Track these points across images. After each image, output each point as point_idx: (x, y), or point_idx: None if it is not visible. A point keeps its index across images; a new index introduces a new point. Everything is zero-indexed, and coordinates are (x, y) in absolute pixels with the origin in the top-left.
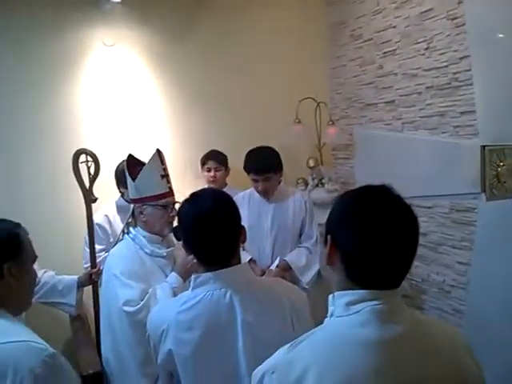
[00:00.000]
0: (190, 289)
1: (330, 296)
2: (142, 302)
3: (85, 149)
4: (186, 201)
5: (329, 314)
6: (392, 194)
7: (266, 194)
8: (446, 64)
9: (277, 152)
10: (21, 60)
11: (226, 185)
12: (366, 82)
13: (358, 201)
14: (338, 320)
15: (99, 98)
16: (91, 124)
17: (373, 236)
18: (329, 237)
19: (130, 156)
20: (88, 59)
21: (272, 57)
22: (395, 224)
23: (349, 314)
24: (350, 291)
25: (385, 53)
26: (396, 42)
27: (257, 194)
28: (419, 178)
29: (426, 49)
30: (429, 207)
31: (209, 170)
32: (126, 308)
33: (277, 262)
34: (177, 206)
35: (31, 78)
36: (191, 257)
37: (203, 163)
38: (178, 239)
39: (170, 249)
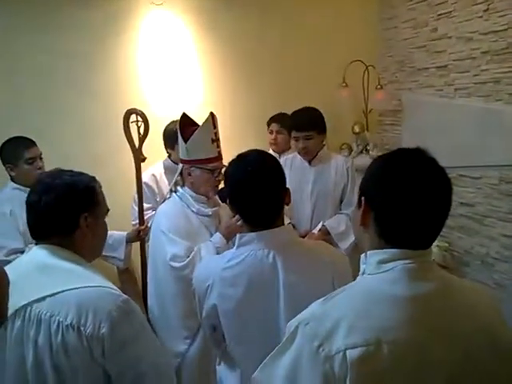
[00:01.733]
0: (235, 247)
1: (362, 255)
2: (188, 259)
3: (135, 109)
4: (232, 162)
5: (360, 272)
6: (426, 156)
7: (306, 153)
8: (505, 27)
9: (320, 113)
10: (72, 20)
11: (289, 149)
12: (418, 45)
13: (392, 161)
14: (369, 277)
15: (149, 58)
16: (140, 84)
17: (406, 195)
18: (363, 198)
19: (184, 115)
20: (137, 19)
21: (321, 18)
22: (428, 184)
23: (380, 272)
24: (382, 250)
25: (439, 15)
26: (452, 4)
27: (299, 158)
28: (469, 147)
29: (485, 10)
30: (476, 178)
31: (271, 133)
32: (173, 263)
33: (319, 226)
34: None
35: (82, 39)
36: (235, 219)
37: (268, 125)
38: (223, 201)
39: (215, 208)
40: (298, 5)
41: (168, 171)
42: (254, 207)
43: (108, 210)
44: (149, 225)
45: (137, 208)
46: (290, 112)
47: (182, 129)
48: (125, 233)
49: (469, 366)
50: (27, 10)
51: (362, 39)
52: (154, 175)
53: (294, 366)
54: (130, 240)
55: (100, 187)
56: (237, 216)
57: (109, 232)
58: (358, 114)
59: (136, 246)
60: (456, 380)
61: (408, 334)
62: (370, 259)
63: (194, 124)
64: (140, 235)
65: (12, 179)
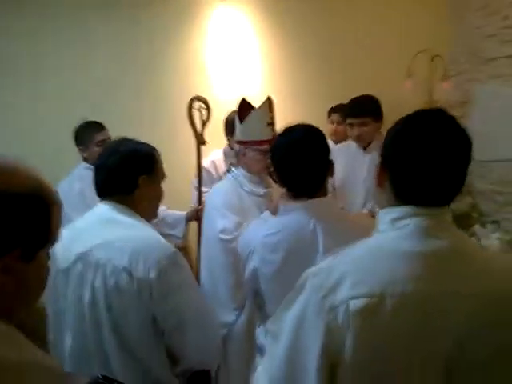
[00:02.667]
0: (278, 216)
1: (378, 214)
2: (236, 233)
3: (199, 96)
4: (279, 134)
5: (374, 230)
6: (445, 115)
7: (360, 139)
8: None
9: (377, 100)
10: (137, 19)
11: (347, 138)
12: (489, 33)
13: (409, 120)
14: (381, 235)
15: (215, 49)
16: (205, 74)
17: (419, 151)
18: (380, 159)
19: (243, 100)
20: (204, 12)
21: (387, 6)
22: (443, 141)
23: (394, 229)
24: (397, 208)
25: None
26: None
27: (353, 146)
28: None
29: None
30: None
31: (331, 123)
32: (222, 235)
33: (368, 206)
34: None
35: (149, 29)
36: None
37: (329, 115)
38: (275, 182)
39: (268, 189)
40: None
41: (227, 157)
42: (297, 176)
43: (164, 176)
44: None
45: (196, 192)
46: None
47: (240, 111)
48: (184, 212)
49: (476, 328)
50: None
51: (429, 28)
52: (213, 161)
53: (300, 317)
54: (188, 219)
55: (159, 156)
56: None
57: (169, 211)
58: (422, 106)
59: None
60: (461, 341)
61: (414, 289)
62: (384, 217)
63: (251, 108)
64: (198, 215)
65: (84, 159)
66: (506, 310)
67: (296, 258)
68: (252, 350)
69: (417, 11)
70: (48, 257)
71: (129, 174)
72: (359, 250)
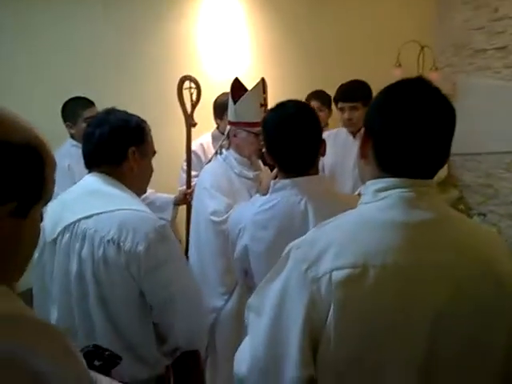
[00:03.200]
0: (269, 193)
1: (362, 186)
2: (227, 215)
3: (190, 76)
4: (270, 109)
5: (358, 203)
6: (429, 85)
7: (350, 125)
8: None
9: (368, 86)
10: None
11: (327, 125)
12: (477, 26)
13: (392, 89)
14: (364, 206)
15: (205, 30)
16: (195, 54)
17: (403, 121)
18: (363, 129)
19: (236, 79)
20: None
21: None
22: (427, 111)
23: (377, 200)
24: (381, 179)
25: None
26: None
27: (343, 133)
28: None
29: None
30: None
31: None
32: (213, 217)
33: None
34: None
35: (142, 8)
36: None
37: (307, 101)
38: (265, 164)
39: (257, 172)
40: None
41: (216, 141)
42: (288, 152)
43: (155, 152)
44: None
45: (185, 175)
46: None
47: (233, 91)
48: (172, 196)
49: (460, 299)
50: None
51: (418, 19)
52: (201, 144)
53: (283, 289)
54: (177, 202)
55: (149, 129)
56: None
57: (157, 194)
58: None
59: (181, 210)
60: (443, 311)
61: (397, 259)
62: (368, 189)
63: (244, 89)
64: (187, 198)
65: (71, 136)
66: (486, 281)
67: (286, 235)
68: (241, 335)
69: (407, 1)
70: (41, 216)
71: (118, 144)
72: (342, 220)
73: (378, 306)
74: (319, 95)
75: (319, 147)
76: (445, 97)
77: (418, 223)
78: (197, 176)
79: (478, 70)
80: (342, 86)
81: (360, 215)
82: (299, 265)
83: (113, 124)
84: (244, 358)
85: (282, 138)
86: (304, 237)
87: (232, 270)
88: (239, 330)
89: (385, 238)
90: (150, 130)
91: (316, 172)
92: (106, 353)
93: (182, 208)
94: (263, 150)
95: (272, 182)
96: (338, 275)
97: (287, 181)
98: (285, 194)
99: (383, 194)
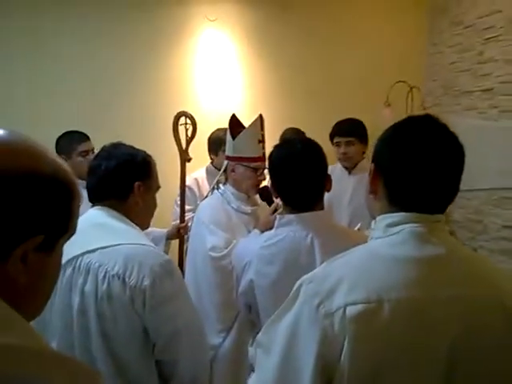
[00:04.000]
0: (274, 228)
1: (372, 221)
2: (226, 250)
3: (185, 112)
4: (277, 145)
5: (369, 238)
6: (437, 122)
7: (346, 159)
8: None
9: (363, 124)
10: (127, 32)
11: None
12: (463, 68)
13: (401, 126)
14: (376, 241)
15: (202, 68)
16: (189, 91)
17: (414, 157)
18: (372, 165)
19: (233, 116)
20: (191, 31)
21: (368, 39)
22: (437, 148)
23: (388, 235)
24: (391, 214)
25: (486, 39)
26: (500, 28)
27: (338, 169)
28: None
29: None
30: None
31: None
32: (212, 253)
33: (358, 226)
34: (266, 171)
35: (138, 49)
36: (273, 216)
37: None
38: (263, 199)
39: (255, 207)
40: (347, 24)
41: (210, 176)
42: (294, 188)
43: (159, 187)
44: (189, 224)
45: (178, 209)
46: (330, 126)
47: (231, 127)
48: (165, 230)
49: (474, 332)
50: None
51: (408, 61)
52: (196, 179)
53: (294, 325)
54: (169, 237)
55: (155, 164)
56: (276, 213)
57: (150, 228)
58: None
59: (174, 245)
60: (459, 345)
61: (411, 294)
62: (379, 224)
63: (241, 125)
64: (180, 233)
65: None
66: (499, 313)
67: (292, 271)
68: (239, 373)
69: (397, 43)
70: (62, 251)
71: (124, 179)
72: (354, 255)
73: (394, 341)
74: (295, 132)
75: (325, 183)
76: (453, 133)
77: (430, 258)
78: (191, 210)
79: (465, 110)
80: (338, 122)
81: (371, 250)
82: (311, 300)
83: (119, 158)
84: None
85: (288, 174)
86: (314, 271)
87: (230, 307)
88: (237, 369)
89: (398, 272)
90: (155, 165)
91: (322, 207)
92: None
93: (175, 242)
94: (260, 185)
95: (278, 216)
96: (352, 310)
97: (293, 216)
98: (291, 229)
99: (394, 230)
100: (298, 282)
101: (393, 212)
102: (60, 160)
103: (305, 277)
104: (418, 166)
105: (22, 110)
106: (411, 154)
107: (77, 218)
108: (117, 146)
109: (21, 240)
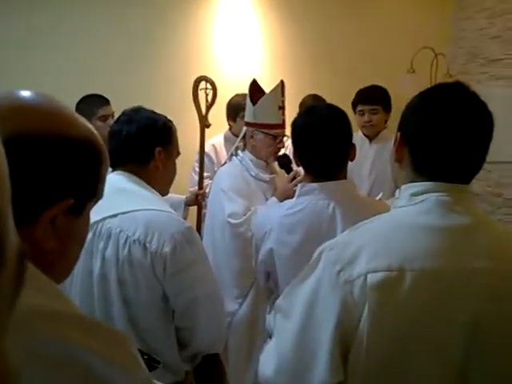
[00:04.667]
0: (296, 197)
1: (397, 190)
2: (245, 217)
3: (206, 76)
4: (301, 112)
5: (393, 206)
6: (467, 90)
7: (370, 126)
8: None
9: (387, 92)
10: None
11: None
12: (492, 35)
13: (429, 94)
14: (400, 209)
15: (222, 32)
16: (209, 56)
17: (440, 125)
18: (398, 133)
19: (254, 81)
20: None
21: (393, 4)
22: (465, 116)
23: (413, 204)
24: (416, 183)
25: None
26: None
27: (359, 137)
28: None
29: None
30: None
31: None
32: (230, 220)
33: (380, 196)
34: (285, 139)
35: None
36: (292, 184)
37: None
38: (281, 167)
39: (273, 175)
40: None
41: (228, 143)
42: (318, 155)
43: (179, 153)
44: (207, 191)
45: (196, 176)
46: (352, 93)
47: (251, 93)
48: (183, 196)
49: (498, 304)
50: None
51: (433, 27)
52: (213, 145)
53: (315, 291)
54: (188, 203)
55: (175, 129)
56: (294, 181)
57: (168, 195)
58: None
59: (192, 211)
60: (481, 316)
61: (435, 264)
62: (404, 193)
63: (262, 91)
64: (198, 199)
65: None
66: None
67: (314, 240)
68: (254, 339)
69: (422, 9)
70: (89, 215)
71: (145, 143)
72: (377, 223)
73: (414, 312)
74: (316, 99)
75: (349, 151)
76: (482, 102)
77: (455, 228)
78: (208, 177)
79: (492, 79)
80: (361, 89)
81: (395, 218)
82: (332, 266)
83: (140, 123)
84: (270, 361)
85: (313, 140)
86: (336, 238)
87: (247, 273)
88: (252, 336)
89: (421, 242)
90: (175, 131)
91: (344, 176)
92: (145, 357)
93: (193, 209)
94: (280, 152)
95: (299, 185)
96: (373, 278)
97: (315, 185)
98: (312, 198)
99: (419, 198)
100: (319, 249)
101: (418, 181)
102: (90, 124)
103: (326, 243)
104: (444, 134)
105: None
106: (438, 122)
107: (104, 182)
108: (138, 110)
109: (51, 202)
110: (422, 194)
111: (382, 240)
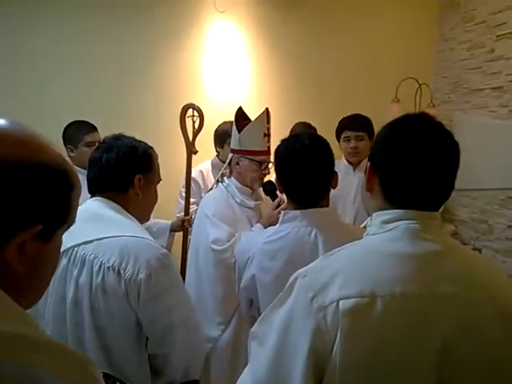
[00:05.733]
0: (278, 224)
1: (368, 218)
2: (229, 243)
3: (193, 104)
4: (283, 140)
5: (364, 234)
6: (432, 120)
7: (355, 154)
8: None
9: (371, 121)
10: (137, 22)
11: None
12: (474, 66)
13: (396, 125)
14: (372, 237)
15: (211, 59)
16: (197, 83)
17: (408, 155)
18: (368, 163)
19: (240, 109)
20: (201, 23)
21: (378, 34)
22: (432, 145)
23: (383, 232)
24: (387, 211)
25: (498, 36)
26: None
27: (343, 165)
28: None
29: None
30: None
31: None
32: (214, 246)
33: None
34: (270, 165)
35: (148, 34)
36: (276, 211)
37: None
38: (266, 194)
39: (258, 202)
40: (357, 17)
41: (215, 169)
42: (300, 183)
43: (160, 180)
44: (193, 217)
45: (182, 202)
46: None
47: (237, 120)
48: (169, 222)
49: (467, 330)
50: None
51: (417, 57)
52: (201, 171)
53: (288, 318)
54: (173, 229)
55: (156, 157)
56: (279, 208)
57: (154, 220)
58: None
59: (178, 237)
60: (451, 343)
61: (405, 290)
62: (375, 220)
63: (247, 119)
64: (184, 225)
65: (71, 160)
66: (493, 311)
67: (295, 266)
68: (236, 366)
69: (408, 40)
70: (61, 240)
71: (124, 171)
72: (350, 250)
73: (386, 337)
74: (305, 126)
75: (331, 179)
76: (448, 131)
77: (424, 255)
78: (195, 203)
79: (475, 108)
80: (345, 117)
81: (367, 246)
82: (305, 293)
83: (120, 150)
84: None
85: (294, 169)
86: (310, 265)
87: (230, 300)
88: (234, 362)
89: (392, 268)
90: (157, 157)
91: (327, 204)
92: (117, 382)
93: (178, 234)
94: (265, 179)
95: (282, 212)
96: (345, 304)
97: (297, 212)
98: (295, 224)
99: (390, 226)
100: (294, 276)
101: (388, 209)
102: (60, 151)
103: (300, 270)
104: (412, 163)
105: (29, 97)
106: (405, 152)
107: (76, 208)
108: (118, 137)
109: (19, 229)
110: (393, 221)
111: (355, 266)
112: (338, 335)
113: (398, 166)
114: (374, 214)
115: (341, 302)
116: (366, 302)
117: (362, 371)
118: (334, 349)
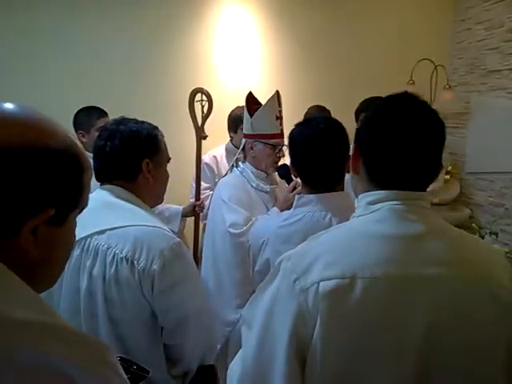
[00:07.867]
0: (293, 208)
1: (355, 200)
2: (245, 227)
3: (202, 88)
4: (298, 124)
5: (351, 216)
6: (416, 99)
7: None
8: None
9: None
10: (149, 6)
11: None
12: (492, 46)
13: (381, 105)
14: (357, 218)
15: (222, 44)
16: (209, 68)
17: (392, 134)
18: (353, 144)
19: (250, 94)
20: (211, 7)
21: (394, 13)
22: (416, 124)
23: (368, 213)
24: (372, 192)
25: None
26: None
27: None
28: None
29: None
30: None
31: None
32: (231, 230)
33: None
34: (284, 148)
35: (159, 23)
36: (292, 194)
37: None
38: (281, 177)
39: (274, 186)
40: (372, 3)
41: (229, 154)
42: (315, 168)
43: (169, 159)
44: (206, 203)
45: (195, 185)
46: (352, 103)
47: (248, 105)
48: (181, 207)
49: (452, 314)
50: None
51: (433, 38)
52: (215, 157)
53: (273, 300)
54: (185, 214)
55: (162, 136)
56: (294, 191)
57: (166, 205)
58: None
59: (190, 221)
60: (436, 325)
61: (385, 272)
62: (361, 202)
63: (258, 103)
64: (195, 210)
65: (83, 146)
66: (480, 296)
67: None
68: None
69: (422, 21)
70: (75, 223)
71: (130, 158)
72: (335, 232)
73: (366, 318)
74: (320, 109)
75: (346, 163)
76: (433, 110)
77: (407, 236)
78: (209, 188)
79: (492, 90)
80: (366, 99)
81: (352, 228)
82: (288, 276)
83: (123, 137)
84: (235, 370)
85: (309, 154)
86: (295, 248)
87: (248, 283)
88: None
89: (374, 250)
90: (162, 137)
91: (342, 188)
92: (134, 366)
93: (190, 219)
94: (280, 162)
95: (296, 196)
96: (325, 286)
97: (312, 196)
98: (310, 209)
99: (375, 207)
100: (279, 258)
101: (373, 190)
102: (69, 134)
103: (286, 253)
104: (395, 143)
105: (40, 85)
106: (389, 132)
107: (88, 191)
108: (119, 122)
109: (31, 214)
110: (377, 202)
111: (338, 249)
112: (319, 317)
113: (382, 147)
114: (359, 196)
115: (321, 283)
116: (345, 284)
117: (341, 353)
118: (315, 332)
